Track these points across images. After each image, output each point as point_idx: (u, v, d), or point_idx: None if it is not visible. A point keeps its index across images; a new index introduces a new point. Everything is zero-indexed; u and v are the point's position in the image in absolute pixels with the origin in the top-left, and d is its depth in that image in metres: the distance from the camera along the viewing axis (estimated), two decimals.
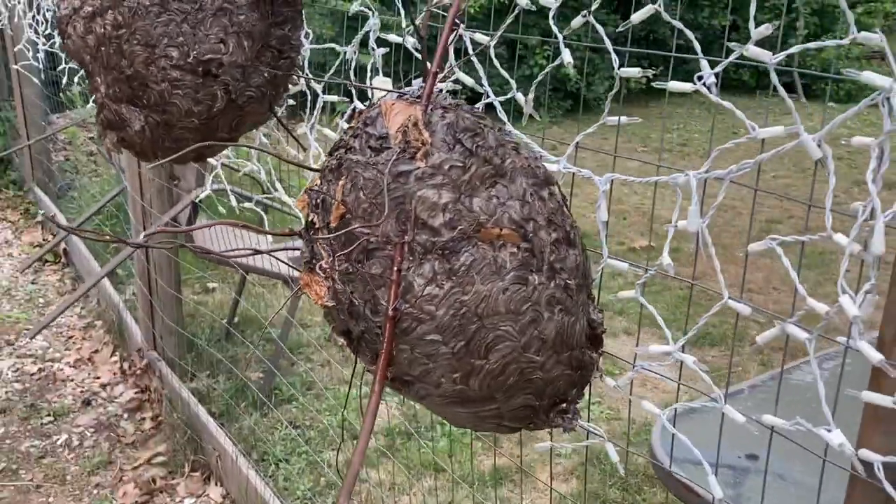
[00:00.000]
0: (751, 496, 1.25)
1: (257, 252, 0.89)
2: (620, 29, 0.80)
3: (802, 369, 1.56)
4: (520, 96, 0.95)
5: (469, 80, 1.03)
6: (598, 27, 0.81)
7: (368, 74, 1.25)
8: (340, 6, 6.92)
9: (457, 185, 0.74)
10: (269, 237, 2.84)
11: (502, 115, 0.99)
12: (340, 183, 0.78)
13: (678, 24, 0.74)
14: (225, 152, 1.68)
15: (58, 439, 2.61)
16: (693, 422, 1.47)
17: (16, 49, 3.73)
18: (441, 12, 0.92)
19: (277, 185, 1.54)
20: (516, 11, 0.90)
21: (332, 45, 1.32)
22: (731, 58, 0.69)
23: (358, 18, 1.30)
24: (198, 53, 1.17)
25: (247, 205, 1.89)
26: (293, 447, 2.53)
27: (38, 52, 3.14)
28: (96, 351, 3.16)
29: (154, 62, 1.18)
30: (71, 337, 3.30)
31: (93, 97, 1.31)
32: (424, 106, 0.76)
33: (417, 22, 0.96)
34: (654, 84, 0.79)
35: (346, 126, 1.33)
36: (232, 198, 1.67)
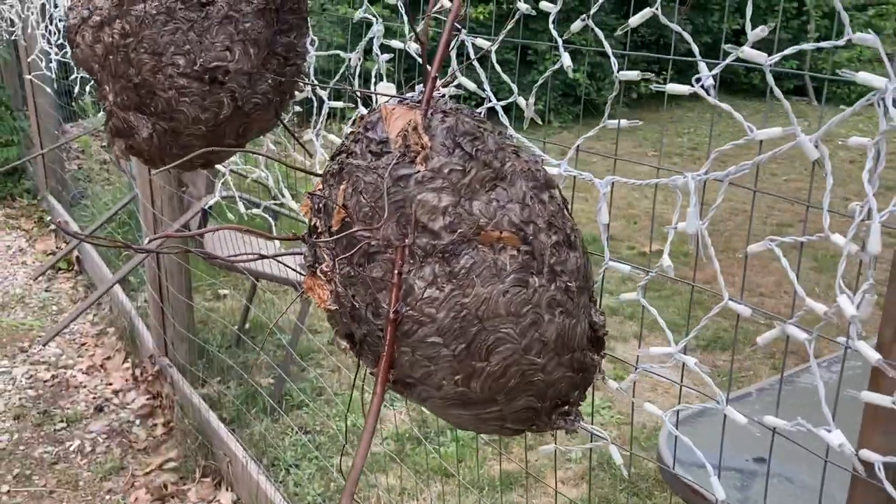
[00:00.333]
0: (758, 499, 1.24)
1: (263, 257, 0.90)
2: (618, 33, 0.81)
3: (811, 372, 1.55)
4: (521, 100, 0.95)
5: (471, 85, 1.04)
6: (598, 31, 0.82)
7: (373, 80, 1.26)
8: (350, 14, 6.96)
9: (457, 188, 0.75)
10: (278, 243, 2.86)
11: (504, 120, 0.99)
12: (342, 187, 0.79)
13: (676, 28, 0.74)
14: (233, 159, 1.69)
15: (70, 445, 2.63)
16: (702, 425, 1.47)
17: (29, 59, 3.77)
18: (443, 18, 0.92)
19: (285, 191, 1.55)
20: (516, 17, 0.90)
21: (338, 51, 1.33)
22: (728, 60, 0.69)
23: (365, 25, 1.31)
24: (204, 61, 1.18)
25: (256, 211, 1.90)
26: (303, 453, 2.54)
27: (51, 61, 3.18)
28: (109, 358, 3.19)
29: (161, 70, 1.19)
30: (84, 344, 3.32)
31: (102, 105, 1.32)
32: (424, 110, 0.77)
33: (418, 29, 0.97)
34: (652, 87, 0.80)
35: (348, 129, 1.34)
36: (240, 204, 1.69)
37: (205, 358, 2.90)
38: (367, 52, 1.30)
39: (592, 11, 0.81)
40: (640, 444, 2.70)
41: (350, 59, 1.28)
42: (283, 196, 1.57)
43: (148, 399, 2.86)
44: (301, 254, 0.91)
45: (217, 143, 1.26)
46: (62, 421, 2.76)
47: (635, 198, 5.58)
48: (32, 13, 3.34)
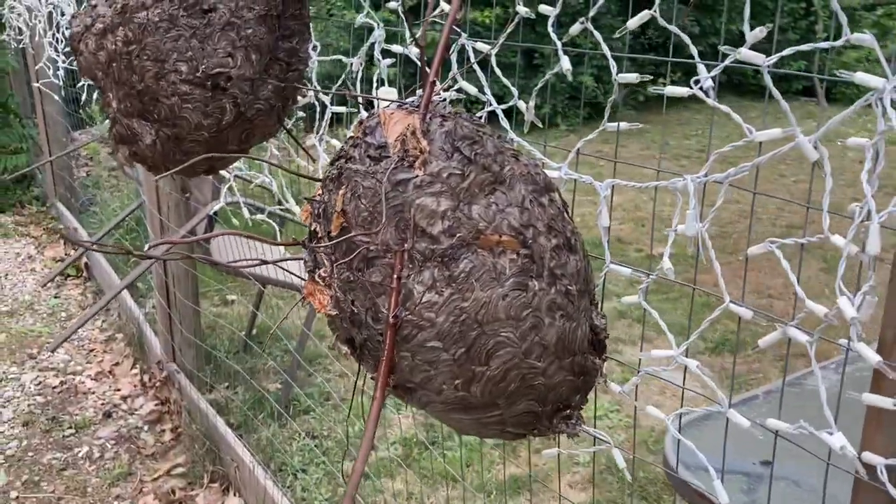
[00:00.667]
0: (764, 503, 1.23)
1: (264, 262, 0.90)
2: (617, 35, 0.81)
3: (815, 374, 1.54)
4: (521, 103, 0.95)
5: (472, 89, 1.04)
6: (596, 34, 0.82)
7: (374, 85, 1.26)
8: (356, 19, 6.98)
9: (455, 192, 0.75)
10: (283, 250, 2.86)
11: (505, 123, 0.99)
12: (340, 192, 0.79)
13: (674, 30, 0.74)
14: (237, 164, 1.70)
15: (79, 451, 2.64)
16: (708, 429, 1.46)
17: (37, 67, 3.79)
18: (442, 22, 0.92)
19: (288, 196, 1.56)
20: (516, 20, 0.90)
21: (340, 56, 1.33)
22: (727, 61, 0.69)
23: (367, 31, 1.31)
24: (206, 67, 1.19)
25: (262, 217, 1.91)
26: (311, 458, 2.54)
27: (59, 69, 3.20)
28: (117, 364, 3.20)
29: (164, 77, 1.20)
30: (92, 350, 3.34)
31: (106, 112, 1.33)
32: (423, 114, 0.77)
33: (418, 34, 0.97)
34: (653, 89, 0.80)
35: (349, 133, 1.35)
36: (244, 210, 1.69)
37: (212, 363, 2.91)
38: (372, 57, 1.30)
39: (592, 13, 0.81)
40: (648, 448, 2.69)
41: (352, 64, 1.29)
42: (286, 201, 1.58)
43: (156, 405, 2.87)
44: (302, 258, 0.91)
45: (220, 148, 1.26)
46: (70, 427, 2.76)
47: (643, 200, 5.56)
48: (40, 22, 3.37)
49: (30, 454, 2.61)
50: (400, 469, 2.44)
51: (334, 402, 2.88)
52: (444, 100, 1.06)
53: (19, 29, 4.04)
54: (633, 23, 0.76)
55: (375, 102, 1.19)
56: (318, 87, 1.35)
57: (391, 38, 1.27)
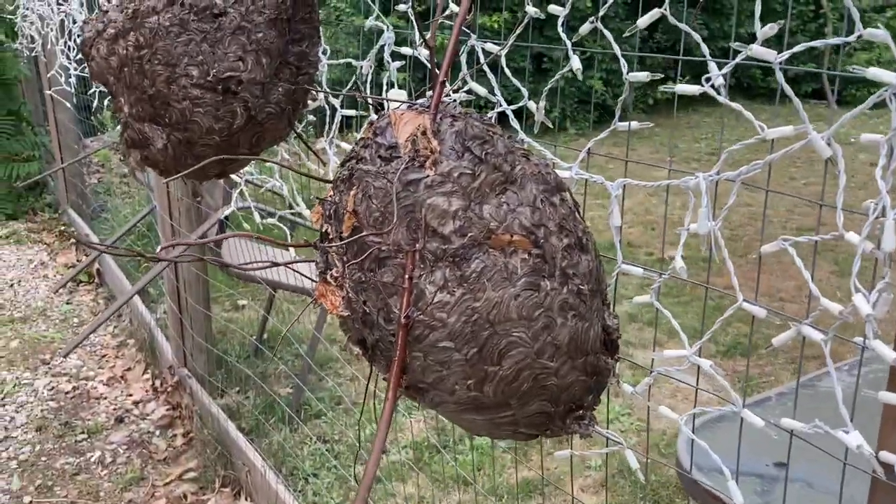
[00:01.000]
0: None
1: (275, 264, 0.90)
2: (627, 34, 0.80)
3: (833, 376, 1.53)
4: (531, 104, 0.95)
5: (482, 90, 1.04)
6: (607, 33, 0.81)
7: (384, 88, 1.26)
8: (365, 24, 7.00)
9: (466, 192, 0.75)
10: (294, 254, 2.87)
11: (515, 124, 0.99)
12: (352, 193, 0.79)
13: (685, 28, 0.74)
14: (248, 169, 1.70)
15: (91, 456, 2.65)
16: (721, 430, 1.45)
17: (49, 75, 3.82)
18: (450, 23, 0.93)
19: (299, 199, 1.56)
20: (525, 21, 0.90)
21: (350, 60, 1.34)
22: (738, 58, 0.69)
23: (377, 34, 1.32)
24: (217, 71, 1.19)
25: (273, 220, 1.91)
26: (322, 462, 2.54)
27: (70, 77, 3.22)
28: (129, 369, 3.21)
29: (175, 81, 1.20)
30: (104, 355, 3.35)
31: (117, 118, 1.34)
32: (433, 115, 0.77)
33: (427, 34, 0.97)
34: (664, 90, 0.79)
35: (359, 135, 1.35)
36: (256, 214, 1.69)
37: (224, 368, 2.91)
38: (382, 62, 1.30)
39: (601, 13, 0.81)
40: (660, 452, 2.67)
41: (362, 68, 1.29)
42: (297, 205, 1.58)
43: (168, 410, 2.88)
44: (313, 261, 0.91)
45: (231, 152, 1.27)
46: (83, 432, 2.78)
47: (653, 204, 5.55)
48: (52, 29, 3.39)
49: (43, 459, 2.63)
50: (411, 473, 2.43)
51: (345, 406, 2.88)
52: (454, 100, 1.06)
53: (31, 37, 4.07)
54: (644, 21, 0.75)
55: (385, 105, 1.20)
56: (328, 91, 1.35)
57: (400, 41, 1.27)
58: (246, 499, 2.38)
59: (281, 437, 2.60)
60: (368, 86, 1.32)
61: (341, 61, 1.35)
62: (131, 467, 2.58)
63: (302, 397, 2.83)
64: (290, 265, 0.96)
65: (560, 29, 0.86)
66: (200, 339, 2.77)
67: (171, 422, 2.82)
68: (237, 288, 3.77)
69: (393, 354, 0.76)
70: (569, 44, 0.85)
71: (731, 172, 0.72)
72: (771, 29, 0.64)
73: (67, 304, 3.85)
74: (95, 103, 2.88)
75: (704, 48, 0.74)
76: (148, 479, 2.53)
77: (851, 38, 0.62)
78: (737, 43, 0.66)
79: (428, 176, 0.75)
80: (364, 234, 0.75)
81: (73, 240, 4.51)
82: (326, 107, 1.39)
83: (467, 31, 0.99)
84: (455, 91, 1.06)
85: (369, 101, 1.20)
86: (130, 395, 3.02)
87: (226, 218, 2.66)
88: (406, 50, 1.18)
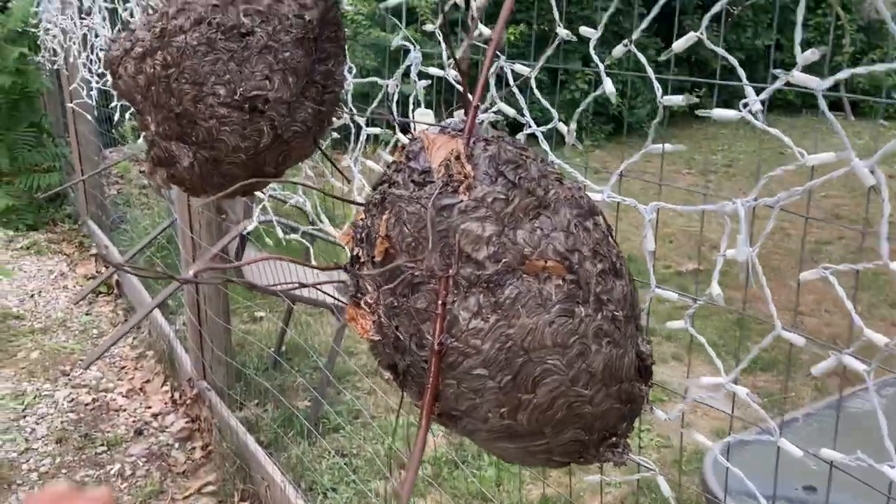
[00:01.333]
0: None
1: (304, 285, 0.90)
2: (663, 58, 0.80)
3: (860, 396, 1.51)
4: (562, 126, 0.94)
5: (511, 111, 1.03)
6: (641, 56, 0.81)
7: (410, 107, 1.26)
8: (382, 39, 7.03)
9: (500, 217, 0.74)
10: (317, 272, 2.87)
11: (544, 145, 0.99)
12: (384, 217, 0.78)
13: (721, 52, 0.73)
14: (272, 184, 1.70)
15: (111, 469, 2.65)
16: (746, 451, 1.43)
17: (71, 88, 3.86)
18: (482, 45, 0.92)
19: (323, 216, 1.56)
20: (556, 42, 0.90)
21: (375, 78, 1.34)
22: (777, 84, 0.68)
23: (400, 51, 1.32)
24: (244, 90, 1.20)
25: (294, 236, 1.92)
26: (341, 476, 2.53)
27: (92, 90, 3.25)
28: (148, 381, 3.22)
29: (202, 100, 1.21)
30: (123, 367, 3.36)
31: (143, 135, 1.34)
32: (466, 139, 0.76)
33: (458, 54, 0.97)
34: (698, 112, 0.79)
35: (388, 157, 1.35)
36: (278, 229, 1.70)
37: (242, 381, 2.92)
38: (403, 76, 1.30)
39: (634, 37, 0.81)
40: (679, 467, 2.65)
41: (388, 86, 1.29)
42: (321, 221, 1.58)
43: (187, 422, 2.88)
44: (340, 282, 0.91)
45: (257, 170, 1.27)
46: (103, 444, 2.78)
47: (669, 216, 5.52)
48: (74, 43, 3.43)
49: (63, 471, 2.63)
50: (430, 488, 2.42)
51: (363, 420, 2.87)
52: (483, 122, 1.05)
53: (54, 50, 4.11)
54: (680, 45, 0.75)
55: (412, 125, 1.19)
56: (354, 110, 1.35)
57: (424, 58, 1.27)
58: None
59: (299, 451, 2.59)
60: (393, 101, 1.32)
61: (367, 80, 1.35)
62: (151, 480, 2.58)
63: (320, 410, 2.83)
64: (318, 286, 0.96)
65: (592, 52, 0.85)
66: (220, 352, 2.78)
67: (190, 434, 2.83)
68: (255, 300, 3.78)
69: (425, 381, 0.75)
70: (601, 66, 0.84)
71: (770, 199, 0.71)
72: (812, 54, 0.64)
73: (87, 315, 3.87)
74: (117, 116, 2.90)
75: (741, 72, 0.73)
76: (167, 492, 2.53)
77: None
78: (778, 70, 0.65)
79: (462, 201, 0.74)
80: (399, 261, 0.74)
81: (92, 250, 4.54)
82: (351, 125, 1.39)
83: (497, 53, 0.98)
84: (483, 111, 1.06)
85: (394, 122, 1.19)
86: (149, 408, 3.02)
87: (246, 231, 2.67)
88: (434, 70, 1.17)
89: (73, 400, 3.07)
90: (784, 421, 1.50)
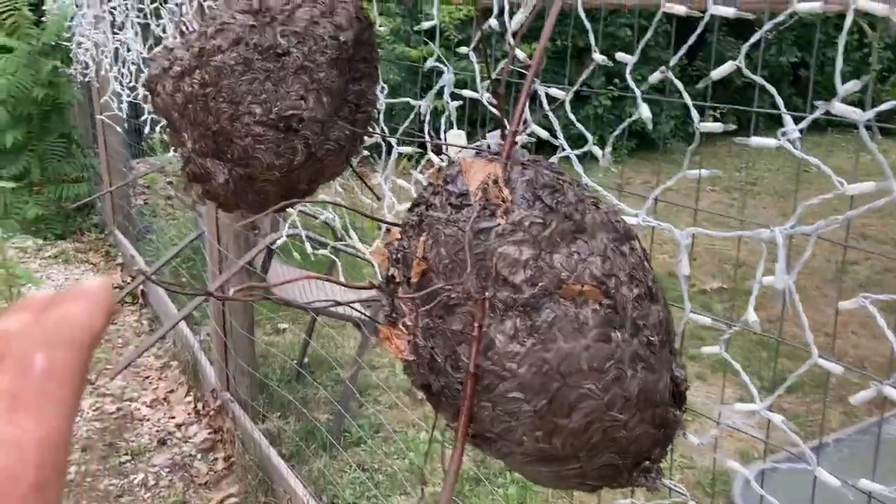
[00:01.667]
0: None
1: (339, 304, 0.91)
2: (700, 86, 0.80)
3: (891, 423, 1.49)
4: (596, 150, 0.95)
5: (544, 134, 1.04)
6: (678, 83, 0.81)
7: (442, 127, 1.27)
8: (406, 53, 7.07)
9: (537, 241, 0.75)
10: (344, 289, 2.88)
11: (578, 168, 0.99)
12: (421, 239, 0.79)
13: (759, 80, 0.73)
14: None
15: (135, 478, 2.67)
16: (777, 476, 1.42)
17: (102, 100, 3.92)
18: (519, 69, 0.93)
19: (352, 232, 1.57)
20: (591, 68, 0.91)
21: (408, 98, 1.35)
22: (816, 114, 0.68)
23: (422, 62, 1.33)
24: (280, 110, 1.21)
25: (322, 251, 1.93)
26: (362, 490, 2.54)
27: (122, 102, 3.30)
28: (172, 391, 3.25)
29: (238, 118, 1.22)
30: (148, 377, 3.39)
31: (177, 151, 1.36)
32: (504, 164, 0.77)
33: (494, 75, 0.98)
34: (735, 140, 0.79)
35: (418, 175, 1.36)
36: (307, 244, 1.71)
37: (265, 393, 2.93)
38: (428, 88, 1.31)
39: (673, 63, 0.81)
40: (704, 490, 2.62)
41: (420, 107, 1.30)
42: (349, 237, 1.59)
43: (210, 433, 2.90)
44: (374, 300, 0.92)
45: (290, 187, 1.28)
46: (127, 454, 2.81)
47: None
48: (106, 57, 3.48)
49: (88, 480, 2.66)
50: None
51: (385, 435, 2.88)
52: (517, 144, 1.06)
53: (86, 63, 4.18)
54: (718, 73, 0.75)
55: (444, 147, 1.21)
56: (386, 129, 1.37)
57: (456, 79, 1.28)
58: None
59: (321, 464, 2.60)
60: (426, 122, 1.33)
61: (400, 100, 1.37)
62: (173, 491, 2.60)
63: (342, 424, 2.84)
64: (351, 304, 0.97)
65: (629, 77, 0.86)
66: (244, 363, 2.79)
67: (213, 445, 2.84)
68: (278, 312, 3.80)
69: (460, 403, 0.76)
70: (638, 92, 0.85)
71: (808, 227, 0.71)
72: (854, 85, 0.64)
73: (112, 324, 3.90)
74: (147, 129, 2.95)
75: (779, 100, 0.74)
76: (190, 502, 2.54)
77: None
78: (820, 102, 0.65)
79: (499, 224, 0.75)
80: (438, 285, 0.75)
81: (118, 260, 4.59)
82: (383, 143, 1.40)
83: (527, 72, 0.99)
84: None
85: (427, 143, 1.21)
86: (173, 418, 3.05)
87: (273, 244, 2.69)
88: (468, 92, 1.19)
89: (97, 409, 3.10)
90: (813, 447, 1.49)
